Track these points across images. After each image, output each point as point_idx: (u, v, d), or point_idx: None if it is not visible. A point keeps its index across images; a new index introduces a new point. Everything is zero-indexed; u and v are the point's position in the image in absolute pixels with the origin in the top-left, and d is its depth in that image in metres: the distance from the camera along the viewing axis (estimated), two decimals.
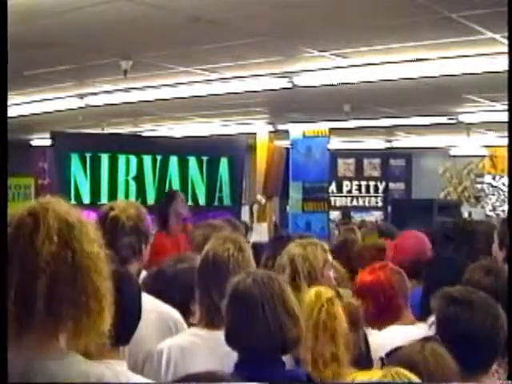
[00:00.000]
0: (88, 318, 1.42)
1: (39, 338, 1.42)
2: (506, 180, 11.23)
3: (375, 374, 1.56)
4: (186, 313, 2.65)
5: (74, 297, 1.40)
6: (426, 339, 2.07)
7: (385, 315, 2.95)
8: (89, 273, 1.43)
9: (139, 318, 2.11)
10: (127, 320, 1.74)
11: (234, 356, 2.13)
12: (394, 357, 2.08)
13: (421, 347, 2.02)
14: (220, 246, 2.46)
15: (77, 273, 1.41)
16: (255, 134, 10.49)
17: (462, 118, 8.90)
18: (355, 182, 12.54)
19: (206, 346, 2.31)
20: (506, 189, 11.27)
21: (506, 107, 6.96)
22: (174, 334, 2.53)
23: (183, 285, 2.70)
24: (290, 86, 6.46)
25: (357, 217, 12.01)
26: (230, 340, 2.14)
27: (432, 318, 2.93)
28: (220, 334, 2.16)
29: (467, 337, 2.21)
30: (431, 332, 2.33)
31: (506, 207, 11.07)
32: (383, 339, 2.66)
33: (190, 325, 2.61)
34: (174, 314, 2.61)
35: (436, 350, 1.99)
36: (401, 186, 12.69)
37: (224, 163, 6.92)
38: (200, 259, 2.51)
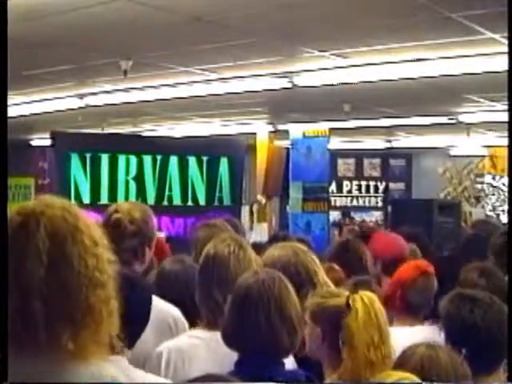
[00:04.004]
0: (88, 332, 1.40)
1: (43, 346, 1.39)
2: (506, 180, 11.22)
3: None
4: (191, 314, 2.63)
5: (69, 313, 1.38)
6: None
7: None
8: (81, 288, 1.40)
9: (147, 322, 2.10)
10: (135, 325, 1.73)
11: (233, 357, 2.13)
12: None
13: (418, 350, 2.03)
14: (221, 245, 2.46)
15: (69, 290, 1.39)
16: (255, 133, 10.49)
17: (462, 118, 8.89)
18: (355, 182, 12.53)
19: (205, 348, 2.30)
20: (506, 189, 11.26)
21: (506, 107, 6.96)
22: (173, 332, 2.53)
23: (189, 285, 2.68)
24: (289, 86, 6.46)
25: (357, 217, 12.02)
26: (225, 338, 2.14)
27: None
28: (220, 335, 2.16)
29: (470, 332, 2.22)
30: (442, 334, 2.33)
31: (506, 207, 11.06)
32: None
33: (195, 326, 2.60)
34: (173, 311, 2.60)
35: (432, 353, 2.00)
36: (401, 186, 12.69)
37: (224, 163, 6.91)
38: (201, 259, 2.51)
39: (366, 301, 2.18)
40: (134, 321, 1.57)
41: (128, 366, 1.86)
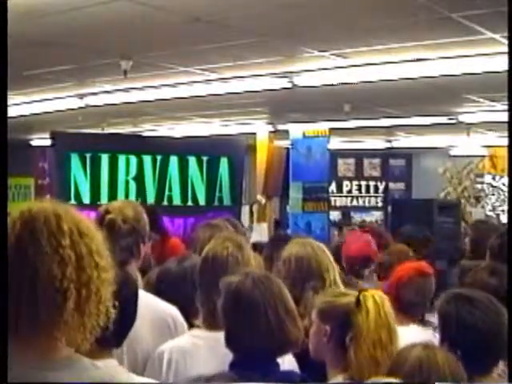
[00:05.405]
0: (58, 316, 1.38)
1: (41, 341, 1.40)
2: (506, 180, 11.22)
3: None
4: (189, 313, 2.63)
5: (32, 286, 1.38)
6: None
7: None
8: (47, 264, 1.38)
9: (134, 320, 2.10)
10: (122, 323, 1.72)
11: None
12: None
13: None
14: (219, 246, 2.46)
15: (35, 265, 1.38)
16: (255, 134, 10.49)
17: (462, 118, 8.89)
18: (355, 182, 12.51)
19: (207, 348, 2.30)
20: (506, 189, 11.26)
21: (506, 107, 6.96)
22: (172, 332, 2.52)
23: (187, 285, 2.69)
24: (289, 86, 6.46)
25: (357, 217, 12.01)
26: (231, 342, 2.12)
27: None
28: (221, 335, 2.15)
29: (467, 333, 2.21)
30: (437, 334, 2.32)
31: (505, 207, 11.06)
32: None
33: (192, 325, 2.60)
34: (172, 310, 2.60)
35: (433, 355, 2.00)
36: (401, 186, 12.67)
37: (224, 163, 6.91)
38: (200, 260, 2.51)
39: (378, 300, 2.18)
40: (121, 318, 1.56)
41: (117, 366, 1.85)
